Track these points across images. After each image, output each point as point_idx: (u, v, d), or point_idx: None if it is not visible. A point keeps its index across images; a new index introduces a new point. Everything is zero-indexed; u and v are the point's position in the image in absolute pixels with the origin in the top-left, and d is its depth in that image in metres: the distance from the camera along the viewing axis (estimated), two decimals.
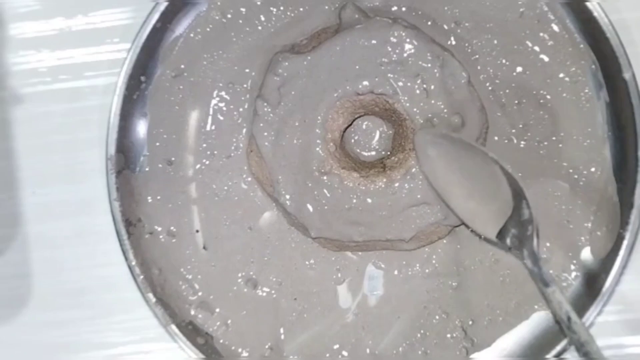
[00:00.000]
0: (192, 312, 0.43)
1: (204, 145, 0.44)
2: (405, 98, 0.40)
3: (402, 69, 0.40)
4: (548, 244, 0.43)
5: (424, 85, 0.40)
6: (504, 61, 0.43)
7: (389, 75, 0.40)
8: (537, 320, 0.43)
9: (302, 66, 0.41)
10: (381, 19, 0.40)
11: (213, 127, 0.44)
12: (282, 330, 0.43)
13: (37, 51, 0.45)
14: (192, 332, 0.43)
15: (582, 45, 0.42)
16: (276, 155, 0.41)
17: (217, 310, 0.43)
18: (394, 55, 0.40)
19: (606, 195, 0.42)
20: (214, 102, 0.44)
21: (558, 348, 0.41)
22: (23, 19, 0.45)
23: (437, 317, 0.43)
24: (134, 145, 0.43)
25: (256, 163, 0.42)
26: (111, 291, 0.45)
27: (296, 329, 0.43)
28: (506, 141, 0.43)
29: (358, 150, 0.43)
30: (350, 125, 0.43)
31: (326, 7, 0.43)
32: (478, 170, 0.39)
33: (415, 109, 0.40)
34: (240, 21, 0.43)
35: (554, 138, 0.43)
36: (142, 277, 0.42)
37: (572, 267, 0.43)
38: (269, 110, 0.41)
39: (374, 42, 0.40)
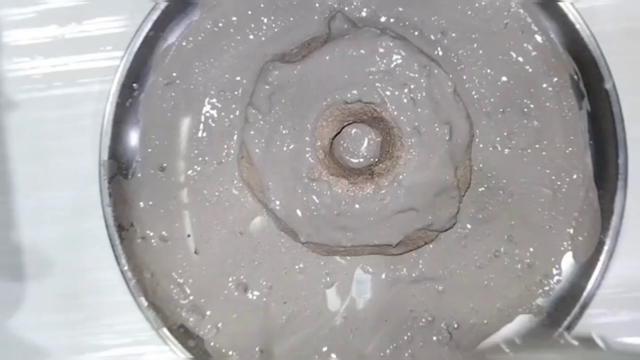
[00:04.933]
0: (184, 316, 0.43)
1: (196, 151, 0.44)
2: (393, 107, 0.40)
3: (390, 78, 0.40)
4: (531, 249, 0.43)
5: (411, 95, 0.40)
6: (489, 71, 0.43)
7: (377, 84, 0.40)
8: (521, 323, 0.43)
9: (292, 75, 0.41)
10: (369, 30, 0.41)
11: (204, 134, 0.44)
12: (272, 333, 0.43)
13: (31, 58, 0.45)
14: (183, 335, 0.43)
15: (564, 56, 0.42)
16: (267, 162, 0.41)
17: (208, 313, 0.43)
18: (382, 65, 0.40)
19: (587, 202, 0.43)
20: (205, 109, 0.44)
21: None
22: (17, 26, 0.45)
23: (423, 320, 0.43)
24: (126, 151, 0.43)
25: (247, 169, 0.43)
26: (103, 295, 0.45)
27: (286, 332, 0.44)
28: (491, 149, 0.43)
29: (347, 157, 0.43)
30: (340, 132, 0.43)
31: (316, 17, 0.43)
32: None
33: (402, 117, 0.40)
34: (232, 30, 0.43)
35: (537, 146, 0.43)
36: (134, 281, 0.42)
37: (555, 271, 0.43)
38: (260, 117, 0.41)
39: (362, 52, 0.40)
